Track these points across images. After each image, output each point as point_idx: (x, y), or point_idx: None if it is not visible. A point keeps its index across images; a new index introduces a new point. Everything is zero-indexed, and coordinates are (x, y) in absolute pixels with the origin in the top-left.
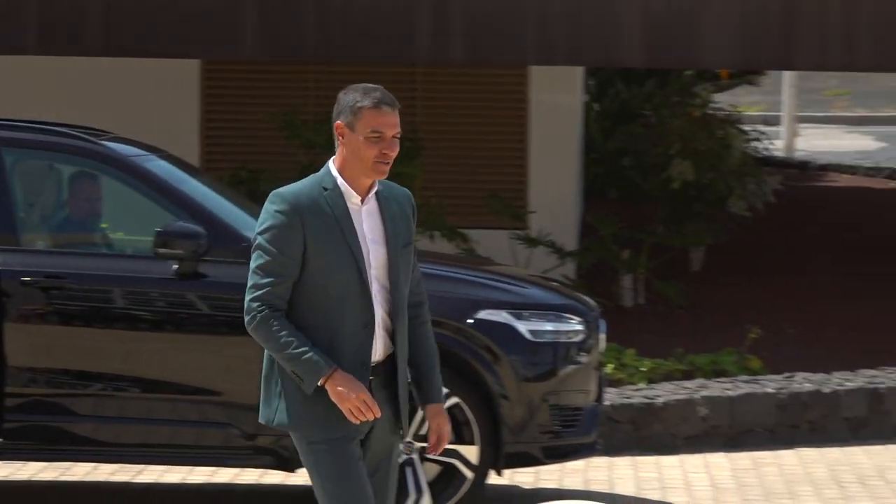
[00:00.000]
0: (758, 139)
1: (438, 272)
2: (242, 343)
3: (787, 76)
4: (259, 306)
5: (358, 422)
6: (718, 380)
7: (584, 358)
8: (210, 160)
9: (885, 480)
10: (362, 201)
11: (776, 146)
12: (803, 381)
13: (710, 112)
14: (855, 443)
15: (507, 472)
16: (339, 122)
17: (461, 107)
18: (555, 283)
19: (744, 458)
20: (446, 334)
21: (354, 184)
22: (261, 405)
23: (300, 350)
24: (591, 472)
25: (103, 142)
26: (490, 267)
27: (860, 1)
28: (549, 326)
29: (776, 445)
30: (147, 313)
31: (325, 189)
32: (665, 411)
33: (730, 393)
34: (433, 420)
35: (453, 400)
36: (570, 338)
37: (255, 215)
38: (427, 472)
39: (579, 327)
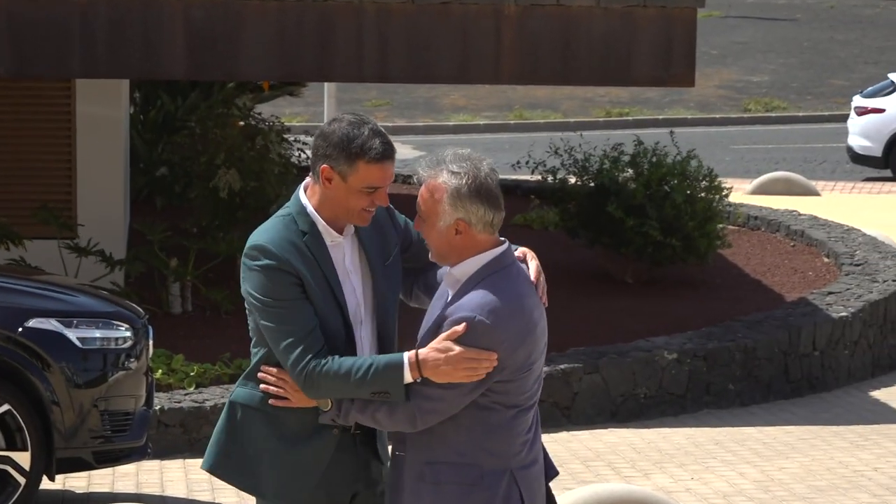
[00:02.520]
0: (301, 149)
1: None
2: None
3: (328, 87)
4: (305, 366)
5: (484, 376)
6: None
7: (133, 364)
8: None
9: None
10: (342, 235)
11: None
12: None
13: (253, 122)
14: None
15: (59, 477)
16: (325, 166)
17: (7, 119)
18: (104, 292)
19: None
20: None
21: (333, 222)
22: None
23: (364, 367)
24: (143, 475)
25: None
26: (39, 276)
27: (393, 15)
28: (98, 333)
29: None
30: None
31: (304, 233)
32: (214, 414)
33: None
34: None
35: (5, 407)
36: (119, 344)
37: None
38: None
39: (128, 334)
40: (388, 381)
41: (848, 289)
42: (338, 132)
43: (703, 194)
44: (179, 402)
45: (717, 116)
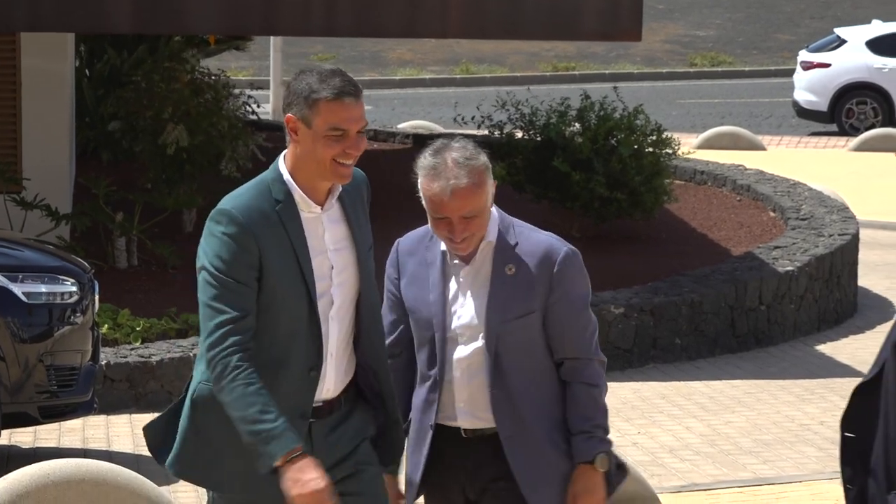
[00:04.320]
0: (246, 103)
1: None
2: None
3: (274, 41)
4: (222, 352)
5: None
6: None
7: (79, 318)
8: None
9: None
10: (322, 207)
11: (265, 110)
12: None
13: (199, 77)
14: None
15: (5, 432)
16: (290, 115)
17: None
18: (49, 246)
19: None
20: None
21: (310, 189)
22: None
23: (264, 416)
24: (89, 430)
25: None
26: None
27: None
28: (43, 288)
29: None
30: None
31: (278, 202)
32: (160, 369)
33: None
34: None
35: None
36: (64, 299)
37: None
38: None
39: (74, 288)
40: (263, 449)
41: (794, 243)
42: (299, 82)
43: (650, 149)
44: (125, 357)
45: (664, 71)
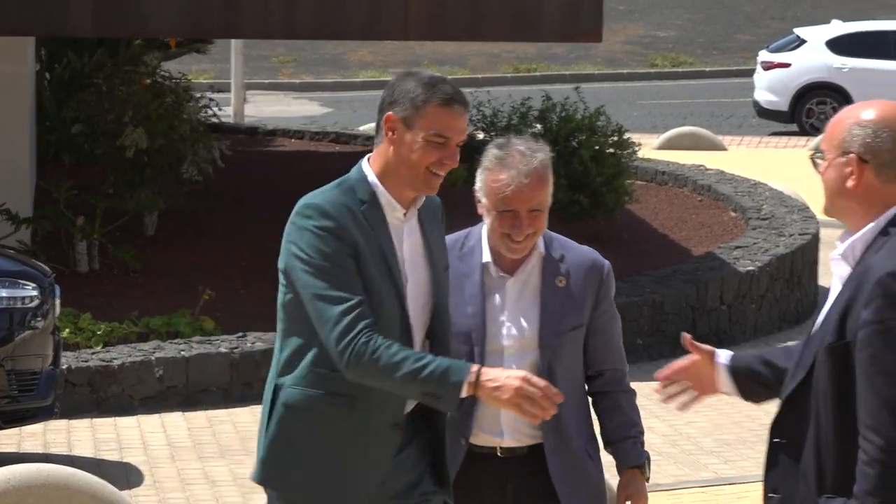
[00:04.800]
0: (207, 106)
1: None
2: None
3: (235, 44)
4: (356, 337)
5: (539, 421)
6: (173, 341)
7: (39, 323)
8: None
9: None
10: (405, 215)
11: (226, 113)
12: (255, 340)
13: (160, 80)
14: None
15: None
16: (391, 113)
17: None
18: (10, 250)
19: (200, 417)
20: None
21: (397, 194)
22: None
23: (422, 361)
24: (50, 434)
25: None
26: None
27: None
28: (4, 293)
29: (231, 404)
30: None
31: (363, 202)
32: (122, 373)
33: (185, 353)
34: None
35: None
36: (25, 303)
37: None
38: None
39: (34, 293)
40: (445, 385)
41: (755, 243)
42: (406, 82)
43: (611, 150)
44: (87, 362)
45: (625, 72)
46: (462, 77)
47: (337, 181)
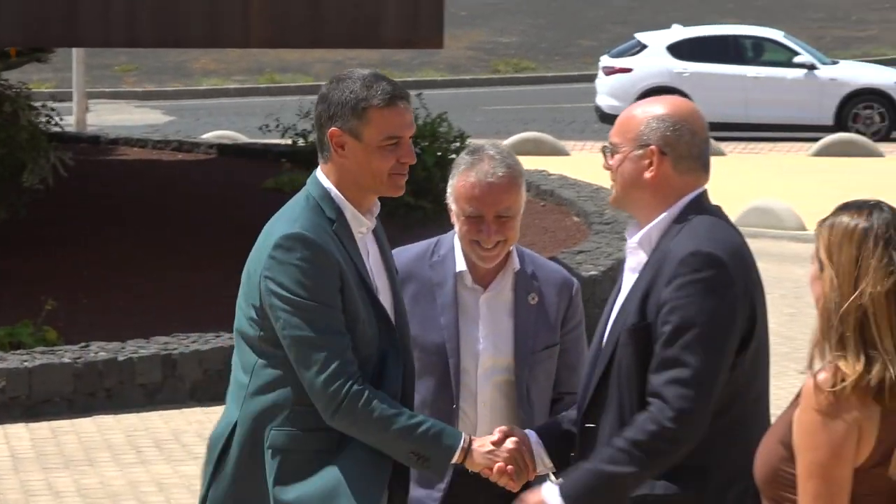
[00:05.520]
0: (48, 115)
1: None
2: None
3: (77, 53)
4: (346, 383)
5: (518, 487)
6: (16, 352)
7: None
8: None
9: (181, 443)
10: (367, 228)
11: (68, 122)
12: (99, 350)
13: (0, 89)
14: (151, 408)
15: None
16: (334, 128)
17: None
18: None
19: (43, 428)
20: None
21: (360, 205)
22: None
23: (417, 419)
24: None
25: None
26: None
27: None
28: None
29: (74, 414)
30: None
31: (332, 221)
32: None
33: (27, 364)
34: None
35: None
36: None
37: None
38: None
39: None
40: (438, 447)
41: (598, 247)
42: (341, 90)
43: (453, 156)
44: None
45: (467, 78)
46: (306, 84)
47: (298, 200)
